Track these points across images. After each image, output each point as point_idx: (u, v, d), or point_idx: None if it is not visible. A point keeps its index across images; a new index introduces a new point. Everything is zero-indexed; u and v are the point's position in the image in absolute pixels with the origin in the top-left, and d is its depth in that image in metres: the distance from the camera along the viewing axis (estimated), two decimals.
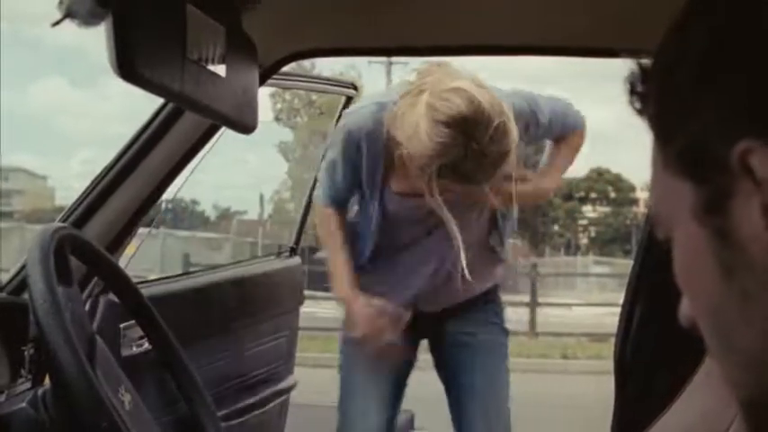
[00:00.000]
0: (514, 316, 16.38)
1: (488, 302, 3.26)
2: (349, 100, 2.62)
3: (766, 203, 0.59)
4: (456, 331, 3.20)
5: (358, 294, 3.01)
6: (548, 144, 3.17)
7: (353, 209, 3.12)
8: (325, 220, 3.11)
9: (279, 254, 3.48)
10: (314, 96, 33.54)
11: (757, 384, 0.63)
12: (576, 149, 3.17)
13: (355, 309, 3.00)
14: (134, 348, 2.48)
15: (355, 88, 2.46)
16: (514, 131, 2.63)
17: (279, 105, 33.25)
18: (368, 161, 2.94)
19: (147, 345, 2.46)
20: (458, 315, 3.20)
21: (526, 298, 17.44)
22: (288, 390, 3.37)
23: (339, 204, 3.08)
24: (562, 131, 3.09)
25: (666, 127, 0.66)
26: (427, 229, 3.02)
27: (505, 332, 3.31)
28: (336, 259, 3.07)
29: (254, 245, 32.00)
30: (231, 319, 2.37)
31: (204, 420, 2.19)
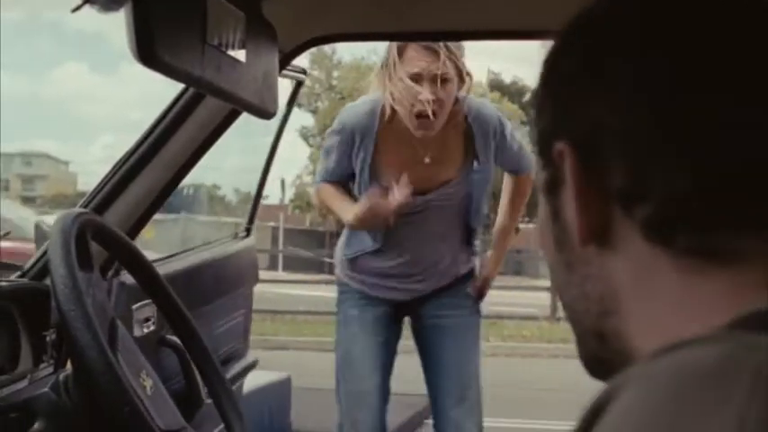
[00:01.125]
0: (536, 301, 16.43)
1: (462, 287, 3.59)
2: (299, 84, 2.73)
3: (575, 196, 0.73)
4: (430, 314, 3.56)
5: (354, 206, 3.35)
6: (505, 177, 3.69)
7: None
8: (321, 192, 3.55)
9: (236, 235, 3.50)
10: (334, 81, 33.59)
11: (576, 332, 0.82)
12: (526, 195, 3.71)
13: (357, 212, 3.30)
14: (144, 330, 2.50)
15: (304, 72, 2.59)
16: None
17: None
18: (360, 154, 3.35)
19: (152, 326, 2.54)
20: (433, 299, 3.55)
21: (547, 282, 17.39)
22: (251, 367, 3.39)
23: (330, 180, 3.49)
24: (518, 164, 3.56)
25: (535, 114, 0.81)
26: (414, 224, 3.39)
27: (477, 315, 3.62)
28: (336, 205, 3.49)
29: (276, 229, 32.10)
30: (195, 302, 2.37)
31: (221, 396, 2.20)
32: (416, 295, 3.55)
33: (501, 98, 35.16)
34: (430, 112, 3.19)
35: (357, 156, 3.37)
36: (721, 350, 0.58)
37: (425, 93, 3.17)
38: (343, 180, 3.51)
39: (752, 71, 0.68)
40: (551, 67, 0.80)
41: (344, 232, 3.61)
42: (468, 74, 3.29)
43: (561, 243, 0.78)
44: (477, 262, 3.69)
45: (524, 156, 3.54)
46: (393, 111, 3.29)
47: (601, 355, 0.79)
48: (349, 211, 3.37)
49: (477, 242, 3.65)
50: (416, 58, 3.18)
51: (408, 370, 3.65)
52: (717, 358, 0.57)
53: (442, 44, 3.13)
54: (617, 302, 0.74)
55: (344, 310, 3.60)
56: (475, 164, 3.41)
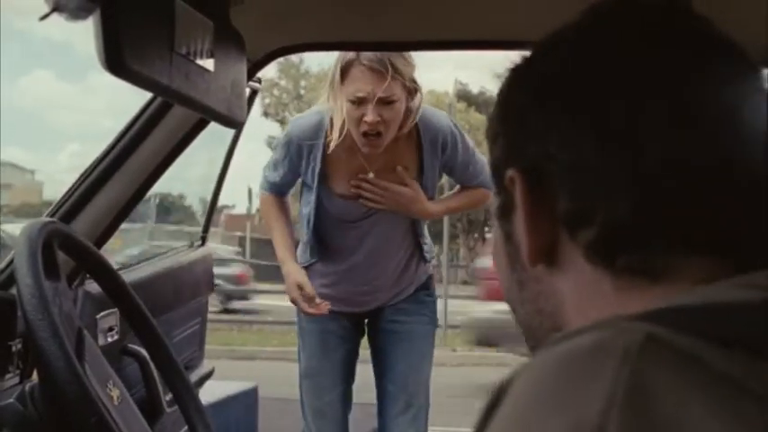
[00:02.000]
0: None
1: (421, 295, 3.63)
2: (254, 93, 2.75)
3: (524, 219, 0.79)
4: (388, 319, 3.59)
5: (291, 261, 3.47)
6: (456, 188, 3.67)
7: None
8: (265, 203, 3.64)
9: (191, 244, 3.50)
10: (302, 91, 33.57)
11: (530, 346, 0.87)
12: (477, 203, 3.69)
13: (284, 272, 3.45)
14: (108, 339, 2.49)
15: (260, 81, 2.61)
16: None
17: (267, 100, 33.26)
18: (307, 165, 3.40)
19: (116, 335, 2.52)
20: (391, 305, 3.59)
21: None
22: (207, 377, 3.39)
23: (278, 193, 3.60)
24: (472, 180, 3.55)
25: (489, 143, 0.87)
26: (361, 231, 3.46)
27: (434, 323, 3.66)
28: (274, 231, 3.57)
29: (243, 239, 31.99)
30: (154, 311, 2.37)
31: (188, 405, 2.20)
32: (372, 308, 3.60)
33: (468, 108, 35.25)
34: (375, 132, 3.22)
35: (307, 167, 3.41)
36: (599, 334, 0.65)
37: (370, 115, 3.17)
38: (286, 192, 3.64)
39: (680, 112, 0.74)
40: (504, 99, 0.85)
41: (300, 245, 3.63)
42: (418, 89, 3.27)
43: (513, 263, 0.84)
44: (432, 269, 3.73)
45: (480, 171, 3.54)
46: (340, 127, 3.29)
47: None
48: (284, 259, 3.49)
49: (428, 248, 3.67)
50: (361, 80, 3.17)
51: (371, 379, 3.65)
52: (593, 340, 0.64)
53: (388, 63, 3.12)
54: (566, 317, 0.81)
55: (303, 324, 3.62)
56: (420, 176, 3.45)
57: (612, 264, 0.75)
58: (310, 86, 33.05)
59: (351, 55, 3.16)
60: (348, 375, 3.60)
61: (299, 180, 3.54)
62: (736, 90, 0.75)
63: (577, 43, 0.81)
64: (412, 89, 3.24)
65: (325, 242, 3.54)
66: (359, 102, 3.17)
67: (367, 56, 3.14)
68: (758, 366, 0.61)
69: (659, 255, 0.73)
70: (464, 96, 38.01)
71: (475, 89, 41.99)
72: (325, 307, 3.39)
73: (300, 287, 3.38)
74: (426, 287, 3.66)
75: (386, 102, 3.17)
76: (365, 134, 3.21)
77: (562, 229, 0.78)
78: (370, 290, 3.55)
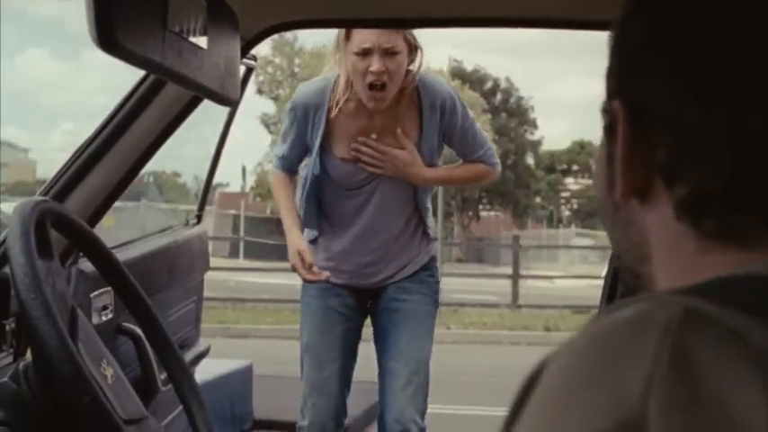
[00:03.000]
0: (497, 288, 16.49)
1: (423, 275, 3.70)
2: (249, 71, 2.77)
3: (621, 156, 0.78)
4: (390, 297, 3.65)
5: (295, 230, 3.59)
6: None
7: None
8: (276, 182, 3.74)
9: (186, 222, 3.51)
10: (296, 69, 33.50)
11: (618, 265, 0.89)
12: (476, 178, 3.82)
13: (288, 241, 3.58)
14: (102, 318, 2.49)
15: (255, 59, 2.63)
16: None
17: (261, 78, 33.22)
18: (313, 128, 3.51)
19: (110, 314, 2.52)
20: (394, 283, 3.66)
21: (508, 270, 17.50)
22: (203, 355, 3.39)
23: (288, 169, 3.70)
24: (472, 152, 3.64)
25: (608, 68, 0.83)
26: (362, 199, 3.57)
27: (435, 303, 3.74)
28: (282, 204, 3.70)
29: (237, 216, 32.01)
30: (149, 289, 2.36)
31: (182, 383, 2.20)
32: (375, 281, 3.66)
33: (462, 86, 35.23)
34: (381, 84, 3.34)
35: (313, 130, 3.52)
36: (638, 308, 0.64)
37: (376, 65, 3.30)
38: (296, 167, 3.73)
39: None
40: (619, 31, 0.82)
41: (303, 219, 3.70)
42: (418, 47, 3.42)
43: (611, 186, 0.82)
44: (434, 250, 3.80)
45: (482, 145, 3.65)
46: (345, 86, 3.44)
47: (638, 290, 0.83)
48: (289, 228, 3.62)
49: (432, 228, 3.76)
50: (366, 32, 3.30)
51: (368, 357, 3.67)
52: (632, 314, 0.64)
53: None
54: (650, 254, 0.80)
55: (306, 299, 3.69)
56: (421, 140, 3.54)
57: (699, 224, 0.74)
58: (304, 64, 33.01)
59: None
60: (348, 352, 3.65)
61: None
62: None
63: None
64: (413, 45, 3.39)
65: (327, 213, 3.63)
66: (364, 53, 3.31)
67: None
68: None
69: (747, 222, 0.72)
70: (458, 74, 38.01)
71: (469, 67, 42.04)
72: (324, 275, 3.49)
73: (300, 254, 3.48)
74: (428, 268, 3.72)
75: (390, 52, 3.32)
76: (371, 86, 3.35)
77: (657, 176, 0.76)
78: (374, 260, 3.63)
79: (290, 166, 3.70)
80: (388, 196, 3.57)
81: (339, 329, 3.63)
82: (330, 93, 3.49)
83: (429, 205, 3.74)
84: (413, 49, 3.40)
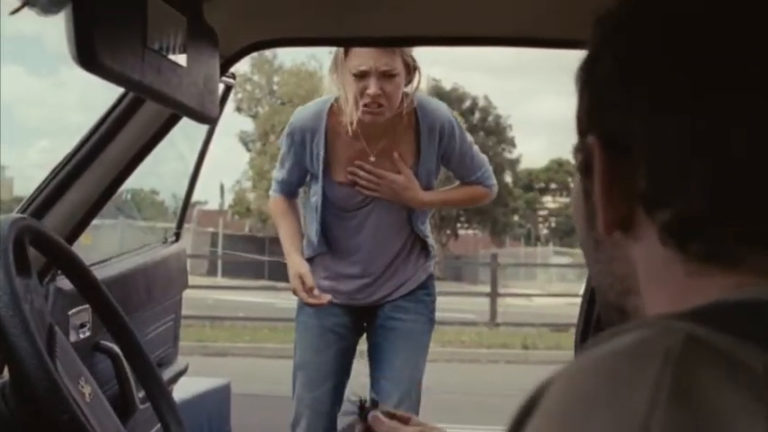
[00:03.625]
0: (475, 306, 16.49)
1: (420, 293, 3.73)
2: (228, 89, 2.79)
3: (601, 190, 0.78)
4: (386, 316, 3.67)
5: (295, 254, 3.58)
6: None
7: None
8: (275, 205, 3.76)
9: (165, 240, 3.50)
10: (275, 86, 33.50)
11: (600, 303, 0.88)
12: (473, 200, 3.86)
13: (288, 264, 3.56)
14: (80, 335, 2.48)
15: (234, 77, 2.66)
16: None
17: (240, 95, 33.17)
18: (311, 153, 3.53)
19: (88, 332, 2.51)
20: (391, 301, 3.68)
21: (486, 288, 17.50)
22: (181, 373, 3.38)
23: (287, 193, 3.72)
24: (470, 174, 3.68)
25: (577, 88, 0.84)
26: (359, 221, 3.59)
27: (431, 323, 3.77)
28: (281, 227, 3.69)
29: (215, 234, 31.93)
30: (127, 307, 2.36)
31: (160, 401, 2.19)
32: (372, 300, 3.68)
33: None
34: (377, 104, 3.37)
35: (311, 155, 3.54)
36: (640, 334, 0.64)
37: (372, 87, 3.32)
38: (295, 190, 3.76)
39: None
40: (587, 65, 0.83)
41: (305, 239, 3.73)
42: (417, 67, 3.44)
43: (591, 222, 0.83)
44: (432, 268, 3.82)
45: (479, 167, 3.68)
46: (345, 108, 3.45)
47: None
48: (288, 251, 3.61)
49: (432, 246, 3.81)
50: (364, 54, 3.32)
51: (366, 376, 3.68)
52: (634, 340, 0.63)
53: None
54: (636, 285, 0.80)
55: (302, 318, 3.70)
56: (419, 163, 3.56)
57: (685, 248, 0.74)
58: (283, 82, 33.03)
59: None
60: (341, 371, 3.66)
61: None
62: None
63: (666, 18, 0.77)
64: (411, 66, 3.41)
65: (327, 233, 3.64)
66: (361, 75, 3.34)
67: None
68: None
69: (733, 245, 0.72)
70: (437, 93, 38.03)
71: (448, 85, 42.08)
72: (324, 298, 3.48)
73: (301, 278, 3.47)
74: (425, 286, 3.75)
75: (387, 75, 3.33)
76: (367, 106, 3.36)
77: (639, 205, 0.77)
78: (371, 281, 3.65)
79: (288, 189, 3.71)
80: (384, 218, 3.60)
81: (334, 349, 3.64)
82: (326, 117, 3.51)
83: (428, 222, 3.77)
84: (411, 70, 3.43)
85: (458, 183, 3.77)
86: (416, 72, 3.45)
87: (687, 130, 0.73)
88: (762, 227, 0.72)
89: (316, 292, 3.48)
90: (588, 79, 0.82)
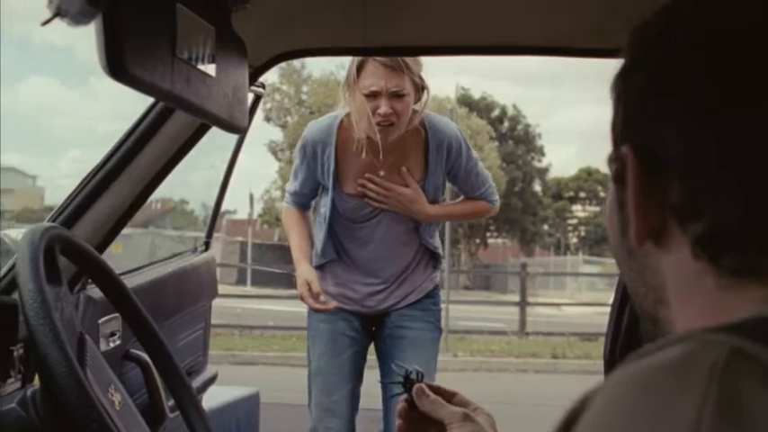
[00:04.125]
0: (504, 315, 16.46)
1: (427, 302, 3.80)
2: (258, 98, 2.80)
3: (633, 201, 0.78)
4: (394, 324, 3.75)
5: (304, 262, 3.68)
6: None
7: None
8: (287, 216, 3.86)
9: (195, 249, 3.52)
10: (303, 96, 33.58)
11: (639, 312, 0.87)
12: (476, 214, 3.99)
13: (297, 272, 3.64)
14: (110, 344, 2.49)
15: (263, 87, 2.67)
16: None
17: (269, 105, 33.28)
18: (323, 166, 3.64)
19: (118, 341, 2.52)
20: (398, 310, 3.75)
21: (516, 297, 17.47)
22: (210, 381, 3.39)
23: (299, 204, 3.82)
24: (475, 190, 3.78)
25: (612, 98, 0.85)
26: (368, 231, 3.69)
27: (438, 330, 3.85)
28: (292, 236, 3.80)
29: (244, 244, 31.99)
30: (157, 316, 2.36)
31: (189, 410, 2.19)
32: (380, 309, 3.75)
33: (470, 113, 35.24)
34: (389, 123, 3.48)
35: (323, 168, 3.65)
36: (683, 348, 0.63)
37: (383, 107, 3.43)
38: (307, 202, 3.85)
39: None
40: (628, 67, 0.83)
41: (314, 247, 3.80)
42: (425, 87, 3.56)
43: (624, 231, 0.83)
44: (438, 279, 3.91)
45: (483, 184, 3.79)
46: (356, 124, 3.56)
47: (658, 334, 0.83)
48: (298, 259, 3.71)
49: (441, 257, 3.90)
50: (375, 75, 3.45)
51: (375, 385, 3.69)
52: (678, 355, 0.63)
53: (400, 60, 3.40)
54: (668, 297, 0.80)
55: (314, 324, 3.77)
56: (427, 178, 3.66)
57: (717, 261, 0.74)
58: (312, 91, 33.10)
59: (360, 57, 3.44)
60: (356, 375, 3.73)
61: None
62: None
63: (701, 31, 0.77)
64: (420, 86, 3.52)
65: (337, 243, 3.73)
66: (373, 95, 3.45)
67: None
68: None
69: (763, 259, 0.72)
70: (465, 101, 38.06)
71: (476, 94, 42.11)
72: (331, 304, 3.58)
73: (309, 284, 3.55)
74: (432, 296, 3.81)
75: (397, 95, 3.44)
76: (379, 124, 3.47)
77: (671, 216, 0.77)
78: (380, 289, 3.73)
79: (300, 200, 3.81)
80: (392, 230, 3.69)
81: (348, 353, 3.71)
82: (337, 131, 3.61)
83: (436, 234, 3.85)
84: (419, 89, 3.53)
85: (461, 198, 3.88)
86: (425, 91, 3.56)
87: (718, 142, 0.72)
88: None
89: (322, 298, 3.58)
90: (624, 90, 0.82)
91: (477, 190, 3.77)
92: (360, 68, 3.46)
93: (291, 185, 3.80)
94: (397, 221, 3.67)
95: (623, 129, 0.82)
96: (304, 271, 3.62)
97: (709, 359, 0.61)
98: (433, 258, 3.82)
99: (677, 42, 0.78)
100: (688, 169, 0.74)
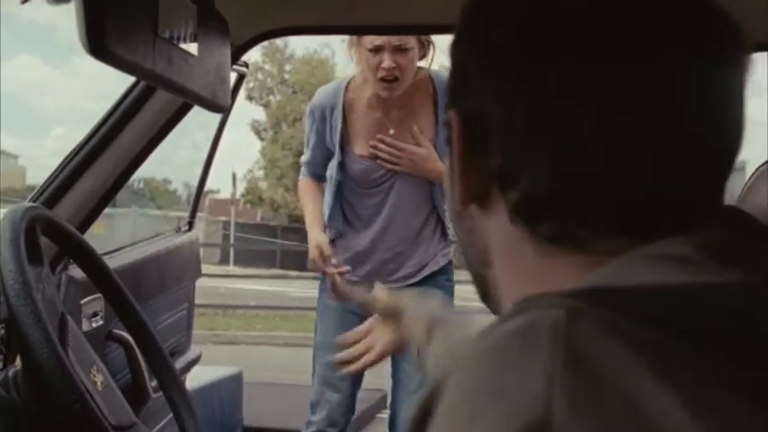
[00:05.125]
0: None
1: (441, 279, 3.77)
2: (241, 77, 2.80)
3: (458, 164, 0.80)
4: None
5: (315, 227, 3.66)
6: None
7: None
8: (302, 187, 3.86)
9: (178, 229, 3.51)
10: (286, 75, 33.49)
11: (469, 272, 0.90)
12: None
13: (309, 238, 3.64)
14: (92, 324, 2.48)
15: (246, 66, 2.67)
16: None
17: (251, 84, 33.19)
18: (331, 128, 3.63)
19: (101, 321, 2.51)
20: (411, 285, 3.68)
21: None
22: (194, 362, 3.39)
23: (314, 174, 3.80)
24: None
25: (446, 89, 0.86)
26: (380, 197, 3.65)
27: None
28: (306, 204, 3.79)
29: (227, 223, 31.96)
30: (140, 296, 2.36)
31: (172, 390, 2.20)
32: (393, 279, 3.69)
33: None
34: (393, 77, 3.47)
35: (331, 130, 3.64)
36: (526, 316, 0.65)
37: (387, 61, 3.42)
38: (321, 170, 3.78)
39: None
40: (453, 46, 0.85)
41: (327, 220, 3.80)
42: (430, 42, 3.54)
43: (454, 194, 0.84)
44: (452, 254, 3.84)
45: None
46: (361, 82, 3.60)
47: (491, 295, 0.86)
48: (310, 225, 3.69)
49: (450, 231, 3.79)
50: None
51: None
52: (522, 323, 0.64)
53: None
54: (492, 258, 0.83)
55: (323, 301, 3.77)
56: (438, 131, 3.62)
57: (534, 228, 0.76)
58: (295, 70, 33.03)
59: None
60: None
61: None
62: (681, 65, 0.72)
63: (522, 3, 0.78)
64: (425, 40, 3.51)
65: (347, 212, 3.72)
66: (376, 50, 3.43)
67: None
68: (686, 343, 0.61)
69: (577, 228, 0.73)
70: None
71: None
72: (343, 268, 3.58)
73: (320, 248, 3.56)
74: (445, 272, 3.79)
75: (400, 49, 3.43)
76: (383, 79, 3.47)
77: (493, 182, 0.78)
78: (392, 257, 3.70)
79: (314, 170, 3.80)
80: (405, 194, 3.65)
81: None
82: (343, 92, 3.62)
83: (446, 206, 3.78)
84: (425, 44, 3.51)
85: None
86: (431, 46, 3.54)
87: (534, 106, 0.73)
88: (611, 209, 0.73)
89: (333, 261, 3.56)
90: (453, 58, 0.84)
91: None
92: None
93: (305, 156, 3.81)
94: (410, 185, 3.64)
95: (451, 94, 0.84)
96: (315, 235, 3.61)
97: (551, 320, 0.62)
98: (445, 232, 3.77)
99: (497, 9, 0.79)
100: (505, 136, 0.76)
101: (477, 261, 0.87)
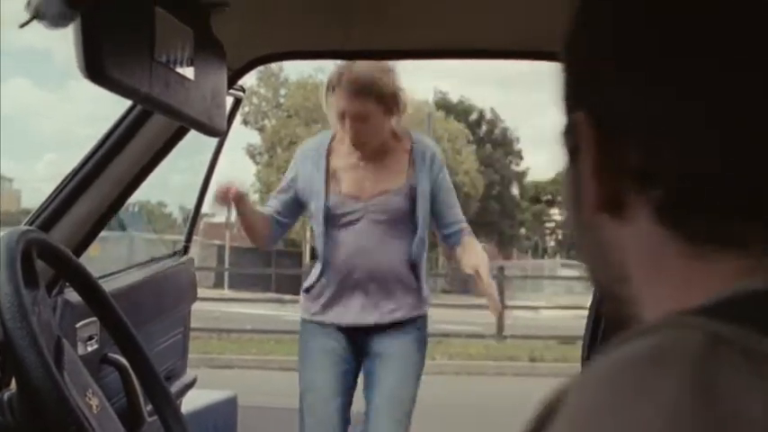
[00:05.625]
0: (482, 319, 16.48)
1: (413, 326, 3.80)
2: (238, 102, 2.81)
3: (590, 167, 0.74)
4: (379, 343, 3.76)
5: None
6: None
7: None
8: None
9: (174, 253, 3.51)
10: (281, 99, 33.52)
11: (598, 290, 0.89)
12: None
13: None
14: (87, 348, 2.48)
15: (243, 90, 2.69)
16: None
17: (246, 108, 33.21)
18: (314, 172, 3.71)
19: (96, 344, 2.51)
20: (384, 331, 3.75)
21: None
22: (190, 386, 3.39)
23: (271, 207, 3.87)
24: (451, 207, 3.79)
25: (561, 75, 0.81)
26: (356, 233, 3.68)
27: (422, 354, 3.85)
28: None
29: (222, 247, 31.91)
30: (136, 320, 2.36)
31: (167, 414, 2.19)
32: (368, 323, 3.74)
33: (447, 117, 35.28)
34: (357, 142, 3.63)
35: (315, 171, 3.72)
36: (657, 339, 0.60)
37: (349, 130, 3.58)
38: (281, 210, 3.86)
39: None
40: (571, 45, 0.80)
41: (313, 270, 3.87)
42: (398, 107, 3.62)
43: (580, 205, 0.78)
44: (427, 308, 3.89)
45: (456, 203, 3.84)
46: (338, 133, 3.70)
47: (622, 314, 0.79)
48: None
49: (426, 289, 3.86)
50: (341, 97, 3.57)
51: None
52: (652, 346, 0.60)
53: (369, 81, 3.52)
54: (628, 271, 0.76)
55: (305, 343, 3.82)
56: (413, 181, 3.69)
57: (681, 228, 0.70)
58: (290, 95, 33.09)
59: (336, 73, 3.57)
60: (347, 392, 3.78)
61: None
62: None
63: None
64: (390, 101, 3.58)
65: (330, 251, 3.74)
66: (341, 115, 3.57)
67: (350, 74, 3.51)
68: None
69: (732, 223, 0.68)
70: (443, 105, 38.10)
71: (454, 98, 42.16)
72: (240, 185, 3.73)
73: (230, 182, 3.68)
74: (421, 325, 3.84)
75: (359, 118, 3.54)
76: (351, 140, 3.61)
77: (630, 182, 0.72)
78: (368, 302, 3.73)
79: (275, 204, 3.87)
80: (377, 235, 3.69)
81: (339, 369, 3.74)
82: (329, 142, 3.75)
83: (424, 263, 3.86)
84: (390, 106, 3.59)
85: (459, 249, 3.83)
86: (398, 104, 3.61)
87: (683, 92, 0.70)
88: (764, 200, 0.68)
89: (233, 189, 3.63)
90: (572, 56, 0.79)
91: (453, 206, 3.78)
92: (332, 89, 3.60)
93: (276, 192, 3.91)
94: (385, 224, 3.69)
95: (575, 96, 0.78)
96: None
97: (684, 349, 0.58)
98: (417, 275, 3.80)
99: (614, 5, 0.76)
100: (647, 128, 0.71)
101: (608, 277, 0.80)
